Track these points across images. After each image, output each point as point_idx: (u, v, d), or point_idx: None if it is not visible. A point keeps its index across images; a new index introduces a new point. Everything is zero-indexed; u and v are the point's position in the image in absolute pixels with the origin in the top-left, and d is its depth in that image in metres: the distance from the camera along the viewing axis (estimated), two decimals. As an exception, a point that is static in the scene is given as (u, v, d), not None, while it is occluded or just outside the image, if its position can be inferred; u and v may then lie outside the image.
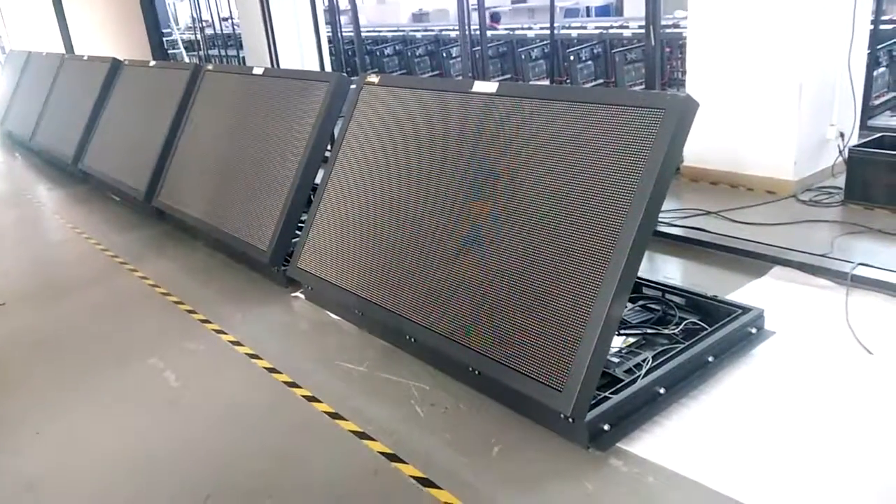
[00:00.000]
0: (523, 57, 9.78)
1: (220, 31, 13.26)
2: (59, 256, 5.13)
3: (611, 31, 9.65)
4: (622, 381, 2.61)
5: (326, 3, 9.26)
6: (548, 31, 9.39)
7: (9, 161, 8.76)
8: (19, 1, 14.41)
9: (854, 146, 4.61)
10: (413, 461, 2.45)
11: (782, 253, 3.72)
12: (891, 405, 2.53)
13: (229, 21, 13.36)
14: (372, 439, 2.60)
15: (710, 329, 2.91)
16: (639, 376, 2.60)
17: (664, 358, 2.71)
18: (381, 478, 2.40)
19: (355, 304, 3.34)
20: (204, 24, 14.11)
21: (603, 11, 16.63)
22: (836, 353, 2.89)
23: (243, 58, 10.71)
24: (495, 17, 12.59)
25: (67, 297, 4.28)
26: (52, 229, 5.88)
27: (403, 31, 13.73)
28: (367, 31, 13.51)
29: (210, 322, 3.71)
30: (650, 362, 2.69)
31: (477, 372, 2.71)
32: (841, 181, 4.63)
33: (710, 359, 2.77)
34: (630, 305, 3.20)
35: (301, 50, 9.13)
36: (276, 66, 8.22)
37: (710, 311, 3.10)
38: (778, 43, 4.60)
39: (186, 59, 14.10)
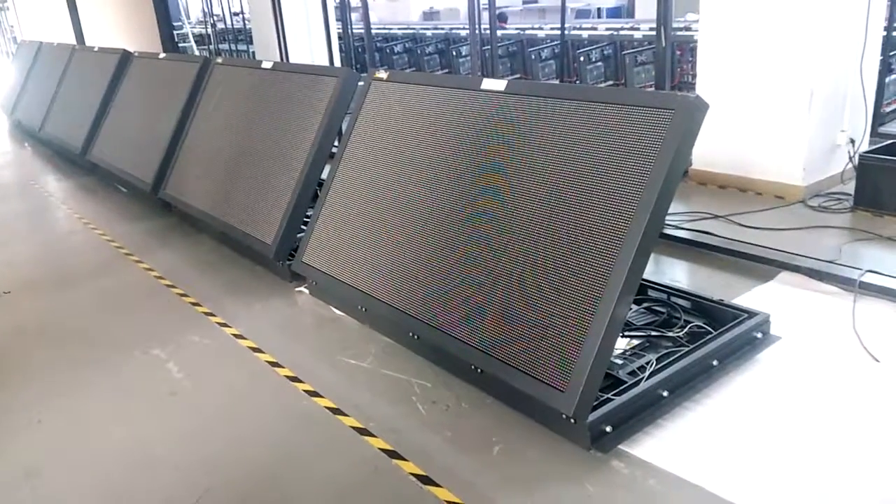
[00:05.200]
0: (533, 57, 9.76)
1: (230, 26, 13.28)
2: (65, 246, 5.14)
3: (621, 32, 9.61)
4: (625, 382, 2.60)
5: (337, 0, 9.27)
6: (558, 32, 9.38)
7: (18, 151, 8.79)
8: (32, -9, 14.49)
9: (864, 152, 4.58)
10: (413, 459, 2.45)
11: (790, 258, 3.70)
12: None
13: (240, 16, 13.36)
14: (373, 436, 2.59)
15: (715, 333, 2.89)
16: (642, 378, 2.58)
17: (668, 361, 2.70)
18: (382, 475, 2.40)
19: (359, 299, 3.33)
20: (215, 18, 14.13)
21: (614, 13, 16.56)
22: (842, 359, 2.87)
23: (253, 52, 10.71)
24: (501, 18, 12.56)
25: (72, 286, 4.29)
26: (58, 219, 5.90)
27: (414, 28, 13.71)
28: (378, 28, 13.50)
29: (214, 315, 3.71)
30: (654, 365, 2.67)
31: (479, 370, 2.70)
32: (850, 187, 4.60)
33: (715, 363, 2.75)
34: (635, 307, 3.19)
35: (311, 46, 9.13)
36: (285, 60, 8.23)
37: (716, 314, 3.08)
38: (789, 47, 4.57)
39: (197, 53, 14.12)
